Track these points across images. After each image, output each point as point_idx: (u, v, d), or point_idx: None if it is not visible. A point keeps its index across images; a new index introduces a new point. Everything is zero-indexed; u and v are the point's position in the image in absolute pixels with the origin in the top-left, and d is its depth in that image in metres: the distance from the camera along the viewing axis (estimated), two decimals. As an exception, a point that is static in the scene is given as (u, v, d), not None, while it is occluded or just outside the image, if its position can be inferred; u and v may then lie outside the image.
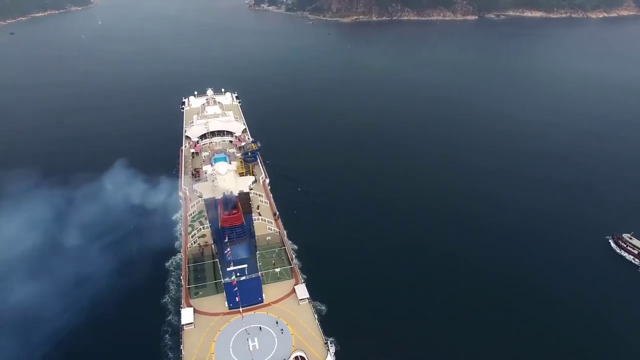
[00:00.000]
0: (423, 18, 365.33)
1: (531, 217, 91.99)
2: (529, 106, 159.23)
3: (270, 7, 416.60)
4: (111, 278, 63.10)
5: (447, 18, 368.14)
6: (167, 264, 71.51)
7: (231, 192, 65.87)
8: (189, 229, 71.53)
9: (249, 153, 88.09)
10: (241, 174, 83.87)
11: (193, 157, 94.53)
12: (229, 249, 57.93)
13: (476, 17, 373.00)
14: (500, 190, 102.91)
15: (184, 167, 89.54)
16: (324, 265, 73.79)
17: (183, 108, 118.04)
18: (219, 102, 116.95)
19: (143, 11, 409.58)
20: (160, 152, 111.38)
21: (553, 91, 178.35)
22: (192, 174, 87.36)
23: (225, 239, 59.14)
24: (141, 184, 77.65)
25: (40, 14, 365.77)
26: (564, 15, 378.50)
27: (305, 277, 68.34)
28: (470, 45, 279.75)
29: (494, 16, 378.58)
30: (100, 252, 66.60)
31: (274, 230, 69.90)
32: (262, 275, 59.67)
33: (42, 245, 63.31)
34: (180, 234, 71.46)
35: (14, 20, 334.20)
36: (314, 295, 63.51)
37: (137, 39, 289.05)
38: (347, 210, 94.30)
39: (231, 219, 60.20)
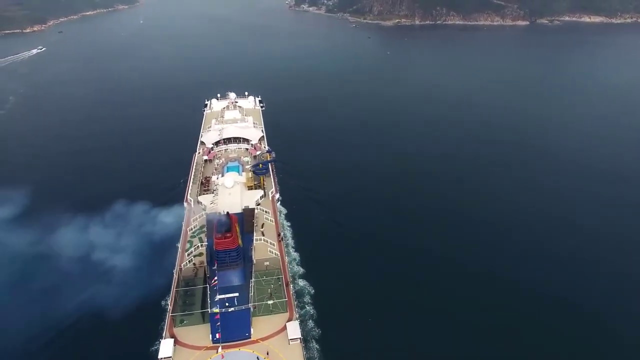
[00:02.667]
0: (469, 23, 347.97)
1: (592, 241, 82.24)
2: (589, 122, 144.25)
3: (310, 8, 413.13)
4: (99, 324, 57.97)
5: (495, 23, 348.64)
6: (164, 303, 60.97)
7: (227, 212, 60.53)
8: (187, 245, 67.23)
9: (260, 165, 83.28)
10: (250, 188, 78.70)
11: (206, 164, 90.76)
12: (216, 278, 52.61)
13: (527, 22, 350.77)
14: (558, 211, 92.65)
15: (194, 175, 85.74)
16: (332, 305, 63.99)
17: (205, 110, 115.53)
18: (239, 107, 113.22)
19: (185, 10, 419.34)
20: (177, 158, 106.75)
21: (618, 107, 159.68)
22: (202, 183, 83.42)
23: (214, 265, 53.92)
24: (146, 202, 73.71)
25: (90, 13, 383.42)
26: (628, 20, 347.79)
27: (303, 311, 61.96)
28: (520, 54, 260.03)
29: (547, 22, 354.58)
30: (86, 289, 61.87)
31: (275, 254, 64.04)
32: (255, 308, 54.16)
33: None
34: (177, 251, 66.71)
35: (65, 19, 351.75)
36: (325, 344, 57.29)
37: (174, 38, 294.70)
38: (370, 235, 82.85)
39: (224, 242, 54.89)
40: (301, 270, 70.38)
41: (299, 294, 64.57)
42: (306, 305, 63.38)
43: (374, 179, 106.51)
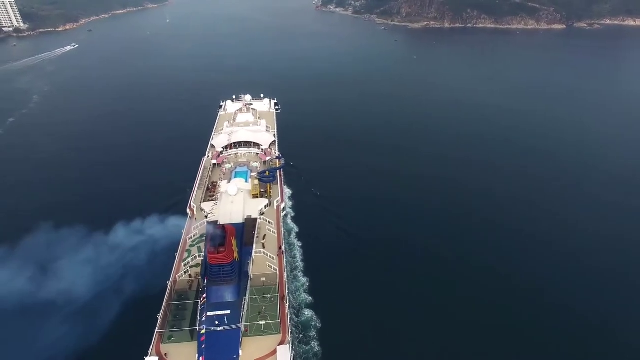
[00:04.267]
0: (501, 26, 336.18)
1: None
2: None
3: (337, 9, 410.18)
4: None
5: (529, 27, 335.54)
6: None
7: (223, 225, 57.30)
8: (185, 254, 64.46)
9: (267, 172, 79.94)
10: (255, 196, 75.36)
11: (214, 168, 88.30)
12: (204, 296, 49.56)
13: (564, 26, 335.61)
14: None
15: (201, 179, 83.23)
16: (341, 344, 57.65)
17: (219, 112, 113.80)
18: (253, 109, 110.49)
19: (212, 10, 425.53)
20: (188, 161, 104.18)
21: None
22: (208, 189, 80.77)
23: (204, 281, 50.89)
24: (150, 207, 71.39)
25: (120, 11, 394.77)
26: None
27: (307, 347, 57.21)
28: (558, 60, 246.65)
29: (586, 25, 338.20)
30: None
31: (274, 269, 60.33)
32: (247, 330, 50.71)
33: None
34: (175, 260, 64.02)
35: (97, 18, 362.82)
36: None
37: (197, 37, 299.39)
38: (393, 256, 75.62)
39: (217, 257, 51.72)
40: (309, 298, 64.76)
41: (304, 327, 59.44)
42: (311, 341, 57.90)
43: (397, 189, 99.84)
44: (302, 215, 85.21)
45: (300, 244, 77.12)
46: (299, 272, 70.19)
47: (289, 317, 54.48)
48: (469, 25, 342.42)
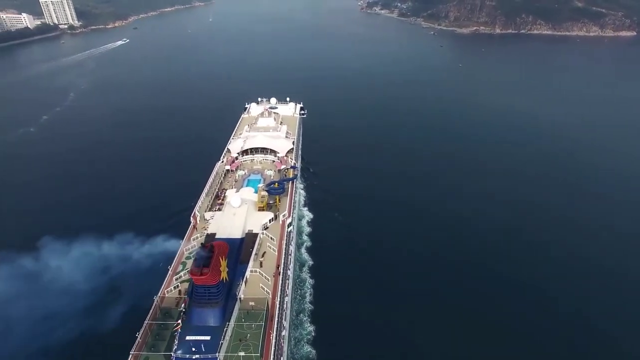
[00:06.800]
0: (559, 33, 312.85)
1: None
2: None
3: (382, 11, 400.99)
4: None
5: (590, 34, 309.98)
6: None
7: (211, 244, 52.93)
8: (180, 267, 60.77)
9: (276, 184, 75.05)
10: (261, 209, 70.78)
11: (227, 174, 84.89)
12: (180, 322, 45.44)
13: (634, 33, 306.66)
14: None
15: (210, 186, 79.77)
16: None
17: (243, 114, 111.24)
18: (275, 114, 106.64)
19: (255, 9, 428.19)
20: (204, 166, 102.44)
21: None
22: (217, 196, 77.32)
23: (191, 298, 46.94)
24: (151, 220, 68.80)
25: (168, 9, 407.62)
26: None
27: None
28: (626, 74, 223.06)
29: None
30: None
31: (267, 292, 55.26)
32: (225, 361, 46.09)
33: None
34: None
35: (145, 15, 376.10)
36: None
37: (237, 35, 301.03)
38: (429, 304, 66.34)
39: (200, 279, 47.48)
40: (313, 352, 56.94)
41: None
42: None
43: (444, 216, 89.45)
44: (320, 245, 77.13)
45: (312, 282, 69.04)
46: (305, 316, 62.22)
47: (275, 348, 49.30)
48: (523, 31, 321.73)
